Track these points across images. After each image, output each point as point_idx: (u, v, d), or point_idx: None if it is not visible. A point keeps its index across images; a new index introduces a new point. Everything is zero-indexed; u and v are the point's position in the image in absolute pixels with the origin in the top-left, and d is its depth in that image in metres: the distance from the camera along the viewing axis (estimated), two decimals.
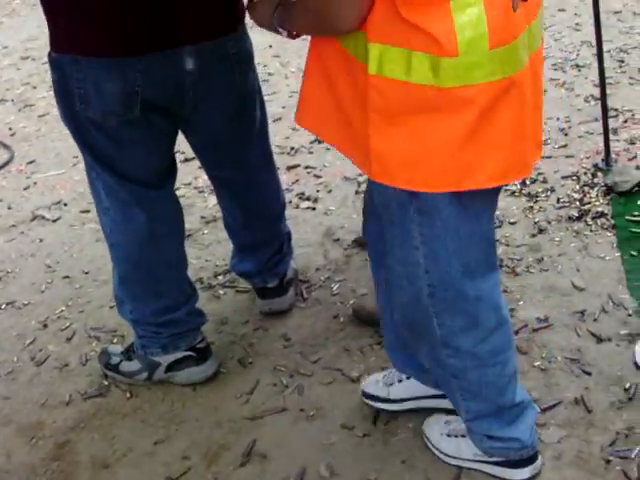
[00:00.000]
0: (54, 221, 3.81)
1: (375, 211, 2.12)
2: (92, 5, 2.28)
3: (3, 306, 3.31)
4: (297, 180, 3.93)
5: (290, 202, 3.71)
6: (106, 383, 2.85)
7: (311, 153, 4.14)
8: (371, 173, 1.90)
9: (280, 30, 2.02)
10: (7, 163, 4.39)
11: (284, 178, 3.91)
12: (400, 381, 2.54)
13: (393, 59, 1.76)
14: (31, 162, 4.41)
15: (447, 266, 2.00)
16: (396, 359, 2.50)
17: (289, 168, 4.01)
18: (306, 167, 4.01)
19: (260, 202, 2.90)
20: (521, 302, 2.95)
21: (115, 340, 3.05)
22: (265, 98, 2.82)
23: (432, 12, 1.72)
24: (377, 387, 2.57)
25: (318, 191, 3.81)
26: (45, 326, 3.17)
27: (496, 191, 2.01)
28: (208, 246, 3.53)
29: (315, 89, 1.99)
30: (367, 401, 2.59)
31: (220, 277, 3.32)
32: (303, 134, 4.14)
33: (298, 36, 2.04)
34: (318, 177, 3.92)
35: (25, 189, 4.13)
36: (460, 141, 1.81)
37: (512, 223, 3.40)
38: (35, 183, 4.16)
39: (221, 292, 3.24)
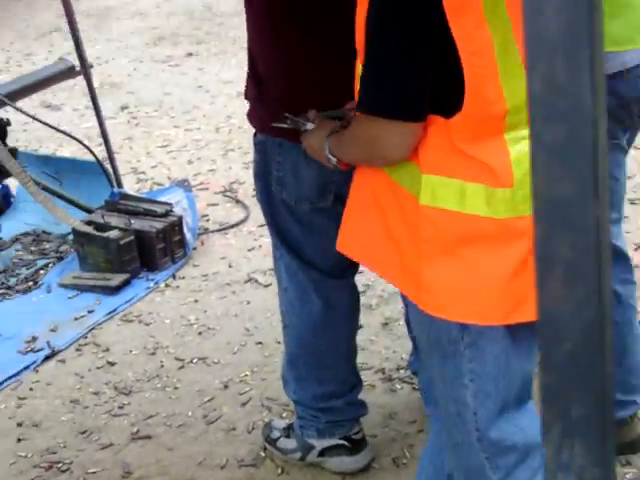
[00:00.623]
0: (265, 286, 3.95)
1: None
2: (302, 94, 2.39)
3: (195, 360, 3.47)
4: None
5: None
6: (263, 455, 2.92)
7: None
8: (421, 304, 1.88)
9: (330, 158, 2.05)
10: (242, 222, 4.61)
11: None
12: None
13: (447, 190, 1.78)
14: (262, 225, 4.59)
15: (494, 405, 1.94)
16: None
17: None
18: None
19: None
20: None
21: (285, 414, 3.12)
22: None
23: (489, 144, 1.75)
24: None
25: None
26: (226, 387, 3.30)
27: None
28: (400, 337, 3.54)
29: (360, 217, 2.01)
30: None
31: (402, 371, 3.32)
32: None
33: (348, 166, 2.06)
34: None
35: (249, 250, 4.32)
36: (513, 272, 1.79)
37: None
38: (260, 246, 4.34)
39: (398, 386, 3.24)
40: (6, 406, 3.27)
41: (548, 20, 0.53)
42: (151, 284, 4.03)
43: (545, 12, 0.53)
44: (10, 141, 4.76)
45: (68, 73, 4.52)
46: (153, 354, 3.53)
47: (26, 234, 4.54)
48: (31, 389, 3.36)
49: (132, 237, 4.05)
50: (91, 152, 4.41)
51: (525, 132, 1.74)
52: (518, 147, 1.76)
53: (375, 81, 1.80)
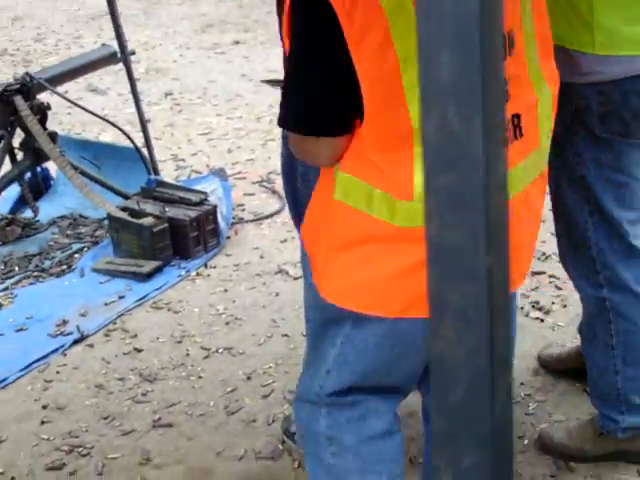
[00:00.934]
0: (295, 279, 3.96)
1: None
2: None
3: (220, 350, 3.49)
4: (537, 287, 3.84)
5: (522, 308, 3.64)
6: (281, 448, 2.94)
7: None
8: (322, 291, 2.00)
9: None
10: (276, 213, 4.62)
11: (525, 282, 3.84)
12: None
13: (357, 191, 1.85)
14: None
15: (347, 376, 2.05)
16: None
17: (534, 274, 3.93)
18: (551, 276, 3.92)
19: None
20: None
21: None
22: None
23: (395, 157, 1.79)
24: None
25: (553, 303, 3.71)
26: (249, 378, 3.31)
27: None
28: None
29: (310, 205, 2.11)
30: None
31: None
32: None
33: None
34: (559, 289, 3.81)
35: (282, 242, 4.33)
36: (409, 272, 1.85)
37: None
38: (293, 238, 4.34)
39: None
40: (32, 388, 3.32)
41: (441, 67, 0.52)
42: (182, 272, 4.06)
43: (439, 60, 0.52)
44: (54, 124, 4.84)
45: (110, 59, 4.55)
46: (180, 342, 3.55)
47: (63, 217, 4.59)
48: (58, 372, 3.40)
49: (166, 225, 4.08)
50: (129, 138, 4.45)
51: None
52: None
53: (293, 102, 1.86)
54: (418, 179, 1.79)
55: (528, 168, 1.96)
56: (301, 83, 1.84)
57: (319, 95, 1.82)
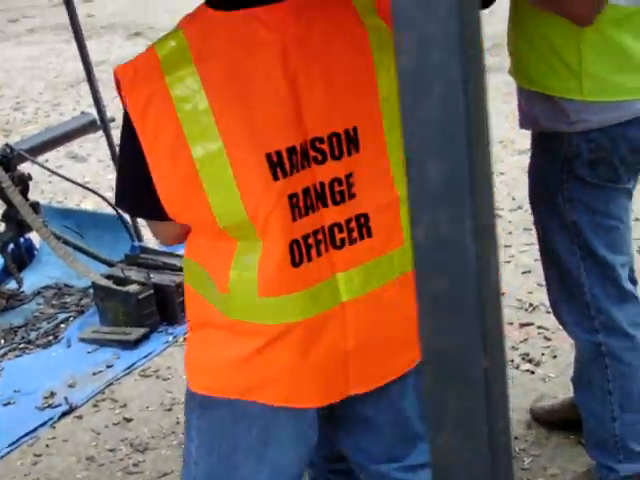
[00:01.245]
0: None
1: None
2: None
3: None
4: (526, 339, 3.84)
5: (512, 361, 3.64)
6: None
7: (548, 313, 4.03)
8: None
9: None
10: None
11: (514, 335, 3.84)
12: None
13: (196, 275, 1.92)
14: None
15: (216, 463, 2.03)
16: None
17: (522, 325, 3.94)
18: (539, 327, 3.92)
19: None
20: None
21: None
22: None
23: (216, 247, 1.85)
24: None
25: (543, 354, 3.71)
26: None
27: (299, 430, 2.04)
28: None
29: None
30: None
31: None
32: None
33: None
34: (548, 339, 3.81)
35: None
36: (243, 361, 1.91)
37: None
38: None
39: None
40: (22, 463, 3.28)
41: (429, 173, 0.52)
42: (170, 338, 4.02)
43: (426, 165, 0.52)
44: (35, 193, 4.83)
45: (89, 127, 4.56)
46: (169, 410, 3.53)
47: (48, 287, 4.56)
48: (47, 445, 3.37)
49: (151, 291, 4.05)
50: (111, 205, 4.43)
51: (258, 244, 1.80)
52: (244, 257, 1.81)
53: (117, 185, 2.02)
54: (233, 274, 1.82)
55: (381, 269, 1.90)
56: (118, 170, 2.00)
57: (129, 184, 1.94)
